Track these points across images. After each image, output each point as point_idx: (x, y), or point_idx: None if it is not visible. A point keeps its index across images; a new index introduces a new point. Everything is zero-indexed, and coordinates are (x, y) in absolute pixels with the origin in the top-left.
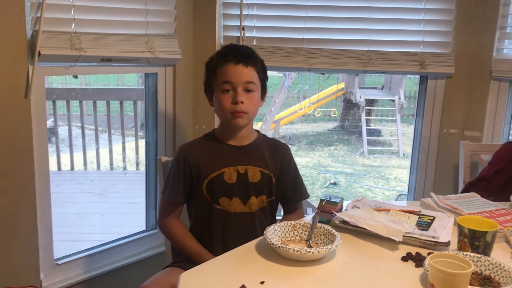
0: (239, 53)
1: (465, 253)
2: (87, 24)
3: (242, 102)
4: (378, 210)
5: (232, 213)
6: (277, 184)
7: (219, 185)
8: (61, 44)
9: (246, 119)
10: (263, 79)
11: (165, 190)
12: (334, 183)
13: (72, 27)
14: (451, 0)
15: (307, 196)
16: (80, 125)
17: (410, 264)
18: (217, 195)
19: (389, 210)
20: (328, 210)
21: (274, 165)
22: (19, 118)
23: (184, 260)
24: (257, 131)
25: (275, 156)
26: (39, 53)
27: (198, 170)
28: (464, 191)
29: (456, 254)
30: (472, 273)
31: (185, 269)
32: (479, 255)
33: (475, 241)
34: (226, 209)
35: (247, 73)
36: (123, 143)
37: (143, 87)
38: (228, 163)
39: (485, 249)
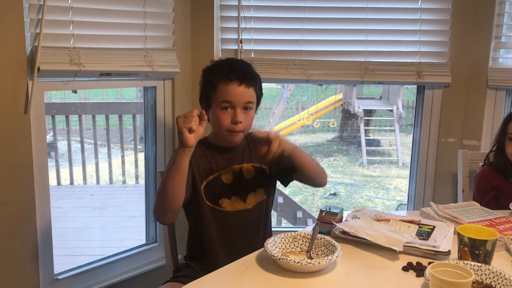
0: (241, 73)
1: (465, 262)
2: (86, 39)
3: (240, 122)
4: (378, 220)
5: (232, 212)
6: (270, 168)
7: (218, 187)
8: (60, 60)
9: (242, 136)
10: (259, 95)
11: None
12: (334, 194)
13: (71, 43)
14: (446, 11)
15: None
16: (79, 139)
17: (411, 274)
18: (215, 196)
19: (389, 220)
20: (328, 220)
21: (259, 154)
22: (19, 133)
23: (185, 275)
24: None
25: (255, 144)
26: (39, 69)
27: (197, 171)
28: None
29: (457, 263)
30: (473, 282)
31: (185, 284)
32: (479, 264)
33: (475, 250)
34: (226, 209)
35: (248, 94)
36: (123, 156)
37: (142, 101)
38: (223, 165)
39: (486, 258)
